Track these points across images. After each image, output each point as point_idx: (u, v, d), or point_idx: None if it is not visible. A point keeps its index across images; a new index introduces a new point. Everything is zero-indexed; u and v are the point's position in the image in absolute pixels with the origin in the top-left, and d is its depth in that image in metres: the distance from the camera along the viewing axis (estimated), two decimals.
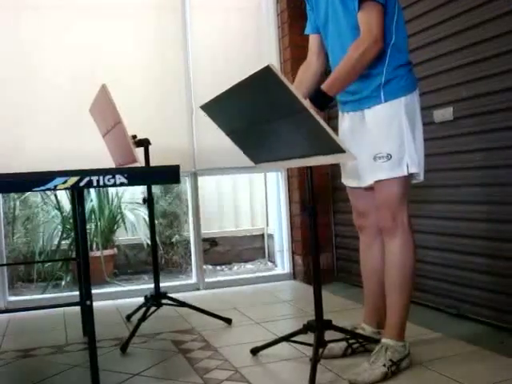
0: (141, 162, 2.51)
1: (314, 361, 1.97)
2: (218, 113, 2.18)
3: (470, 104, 2.58)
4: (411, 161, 2.06)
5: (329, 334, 2.12)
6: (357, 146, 2.19)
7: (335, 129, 2.37)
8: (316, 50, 2.32)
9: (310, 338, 2.12)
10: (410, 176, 2.10)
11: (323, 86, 2.00)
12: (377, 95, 2.08)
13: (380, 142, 2.08)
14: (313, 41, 2.33)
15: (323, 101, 2.00)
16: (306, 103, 1.71)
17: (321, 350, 2.03)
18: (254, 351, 2.36)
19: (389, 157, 2.06)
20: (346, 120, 2.26)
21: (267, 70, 1.60)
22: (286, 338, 2.29)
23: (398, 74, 2.07)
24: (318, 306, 2.12)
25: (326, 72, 2.26)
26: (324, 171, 3.88)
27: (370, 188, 2.18)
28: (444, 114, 2.73)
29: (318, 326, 2.10)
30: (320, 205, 3.86)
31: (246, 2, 3.97)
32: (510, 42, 2.35)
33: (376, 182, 2.12)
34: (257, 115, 1.98)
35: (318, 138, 1.77)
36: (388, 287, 2.14)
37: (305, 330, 2.16)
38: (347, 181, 2.33)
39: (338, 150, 1.73)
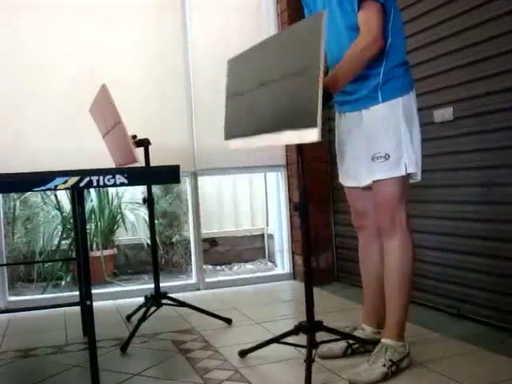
0: (141, 162, 2.51)
1: (309, 362, 1.96)
2: (239, 68, 2.29)
3: (470, 104, 2.59)
4: (409, 160, 2.06)
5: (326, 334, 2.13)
6: (354, 146, 2.20)
7: (333, 130, 2.38)
8: None
9: (302, 339, 2.11)
10: (408, 176, 2.10)
11: (324, 81, 2.00)
12: (374, 96, 2.09)
13: (378, 142, 2.08)
14: None
15: (324, 97, 2.01)
16: (322, 66, 1.73)
17: (314, 351, 2.02)
18: (242, 353, 2.34)
19: (387, 157, 2.06)
20: (343, 121, 2.27)
21: (321, 16, 1.73)
22: (277, 340, 2.27)
23: (395, 75, 2.07)
24: (309, 307, 2.11)
25: (325, 72, 2.26)
26: (324, 171, 3.88)
27: (368, 188, 2.19)
28: (444, 114, 2.73)
29: (310, 327, 2.09)
30: (320, 205, 3.86)
31: (246, 2, 3.97)
32: (510, 42, 2.35)
33: (374, 182, 2.12)
34: (270, 72, 2.04)
35: (304, 107, 1.80)
36: (387, 287, 2.14)
37: (296, 331, 2.16)
38: (345, 181, 2.33)
39: (312, 124, 1.74)
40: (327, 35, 2.19)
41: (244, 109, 2.25)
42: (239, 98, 2.27)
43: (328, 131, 3.88)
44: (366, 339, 2.25)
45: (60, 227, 4.28)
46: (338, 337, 2.21)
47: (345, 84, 2.05)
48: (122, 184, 1.79)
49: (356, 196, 2.30)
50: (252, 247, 5.02)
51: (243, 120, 2.25)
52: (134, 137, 2.74)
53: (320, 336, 2.12)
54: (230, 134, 2.35)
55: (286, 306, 3.36)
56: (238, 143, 2.29)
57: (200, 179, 3.92)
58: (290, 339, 2.22)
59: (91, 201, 4.37)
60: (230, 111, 2.35)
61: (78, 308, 2.71)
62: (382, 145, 2.07)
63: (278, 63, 2.01)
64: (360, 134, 2.16)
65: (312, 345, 2.03)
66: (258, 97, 2.12)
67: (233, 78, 2.36)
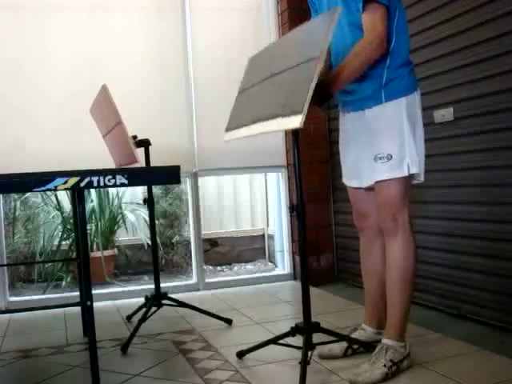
0: (141, 163, 2.51)
1: (304, 363, 1.96)
2: (254, 65, 2.33)
3: (471, 104, 2.59)
4: (412, 161, 2.06)
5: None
6: (357, 146, 2.20)
7: (336, 130, 2.38)
8: None
9: (300, 339, 2.10)
10: (411, 177, 2.10)
11: (325, 79, 2.00)
12: (378, 95, 2.08)
13: (381, 143, 2.08)
14: None
15: (323, 95, 2.01)
16: (323, 57, 1.76)
17: (310, 352, 2.02)
18: (240, 354, 2.33)
19: (389, 157, 2.06)
20: (346, 120, 2.27)
21: (335, 11, 1.80)
22: (274, 341, 2.27)
23: (398, 75, 2.07)
24: (305, 309, 2.10)
25: (329, 66, 2.26)
26: (324, 171, 3.88)
27: (371, 189, 2.18)
28: (444, 114, 2.73)
29: (306, 328, 2.08)
30: (320, 205, 3.87)
31: (247, 3, 3.97)
32: (510, 43, 2.35)
33: (376, 182, 2.12)
34: (277, 66, 2.07)
35: (296, 95, 1.81)
36: (389, 288, 2.14)
37: (293, 332, 2.15)
38: (348, 181, 2.33)
39: (298, 111, 1.74)
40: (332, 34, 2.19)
41: (245, 102, 2.24)
42: (246, 92, 2.27)
43: (328, 131, 3.89)
44: (362, 341, 2.25)
45: (60, 227, 4.28)
46: (335, 338, 2.20)
47: (345, 84, 2.06)
48: (123, 184, 1.79)
49: (359, 197, 2.30)
50: (252, 248, 5.02)
51: (242, 113, 2.23)
52: (135, 137, 2.74)
53: (319, 337, 2.12)
54: (228, 128, 2.33)
55: (286, 307, 3.36)
56: (231, 135, 2.26)
57: (200, 179, 3.92)
58: (288, 340, 2.22)
59: (91, 201, 4.37)
60: (235, 106, 2.35)
61: (78, 308, 2.71)
62: (384, 145, 2.07)
63: (286, 57, 2.02)
64: (363, 133, 2.16)
65: (307, 346, 2.03)
66: (260, 90, 2.12)
67: (247, 74, 2.38)
